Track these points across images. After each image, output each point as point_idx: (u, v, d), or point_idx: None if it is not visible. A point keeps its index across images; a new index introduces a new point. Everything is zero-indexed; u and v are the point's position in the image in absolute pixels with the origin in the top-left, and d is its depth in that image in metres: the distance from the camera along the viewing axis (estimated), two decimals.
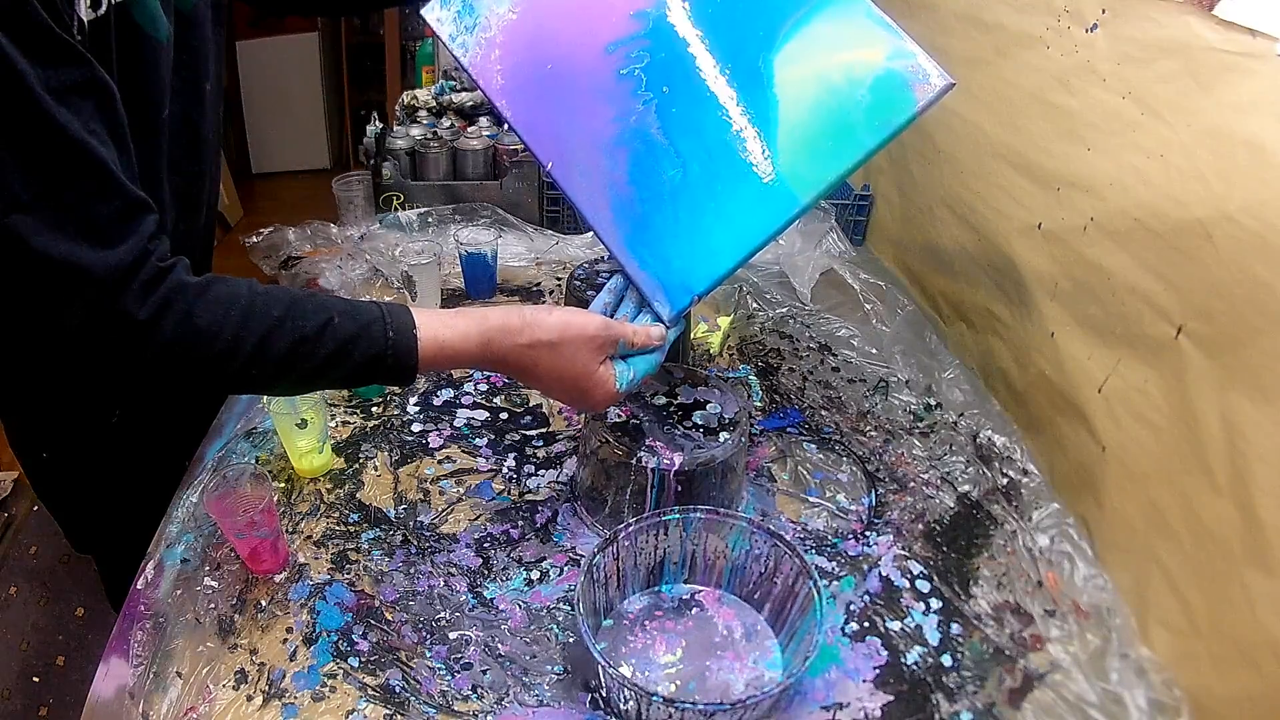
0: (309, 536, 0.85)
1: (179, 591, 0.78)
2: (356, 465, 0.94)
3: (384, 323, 0.64)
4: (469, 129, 1.58)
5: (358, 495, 0.90)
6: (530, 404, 1.05)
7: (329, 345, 0.62)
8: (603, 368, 0.70)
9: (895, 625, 0.77)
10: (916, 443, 1.00)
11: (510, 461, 0.96)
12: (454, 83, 1.77)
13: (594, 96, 0.73)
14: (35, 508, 1.80)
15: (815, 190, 0.69)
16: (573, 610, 0.77)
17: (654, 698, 0.61)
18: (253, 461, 0.93)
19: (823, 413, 1.05)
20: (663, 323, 0.73)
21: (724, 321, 1.17)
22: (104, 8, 0.62)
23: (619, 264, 0.73)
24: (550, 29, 0.75)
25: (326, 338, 0.62)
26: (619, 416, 0.83)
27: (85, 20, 0.60)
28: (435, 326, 0.65)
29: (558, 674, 0.73)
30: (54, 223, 0.55)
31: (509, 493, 0.92)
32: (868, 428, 1.02)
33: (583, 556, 0.83)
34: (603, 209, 0.73)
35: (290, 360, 0.62)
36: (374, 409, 1.03)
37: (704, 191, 0.70)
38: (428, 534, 0.86)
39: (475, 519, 0.88)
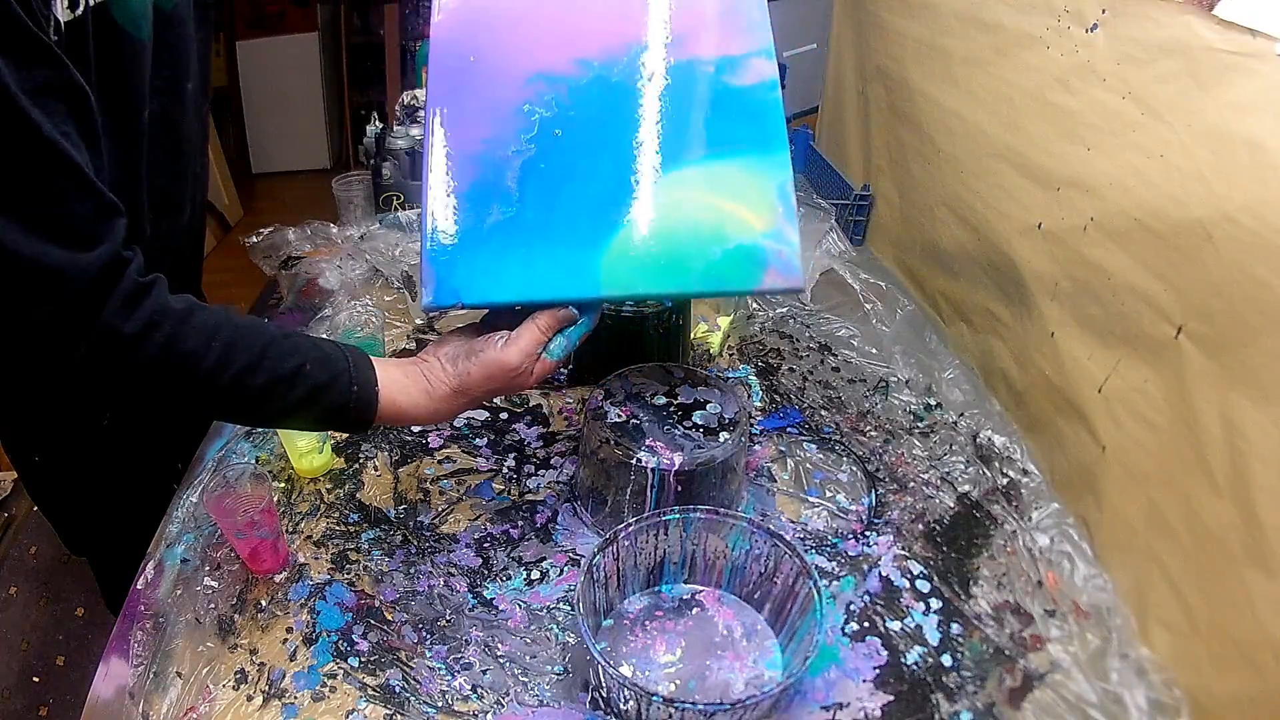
0: (309, 536, 0.85)
1: (179, 591, 0.78)
2: (356, 465, 0.94)
3: (350, 375, 0.66)
4: None
5: (358, 495, 0.90)
6: (530, 404, 1.05)
7: (300, 390, 0.64)
8: (536, 370, 0.71)
9: (895, 625, 0.77)
10: (916, 443, 1.00)
11: (510, 461, 0.96)
12: None
13: (485, 110, 0.72)
14: (35, 508, 1.80)
15: (620, 291, 0.69)
16: (573, 610, 0.77)
17: (654, 698, 0.61)
18: (253, 461, 0.93)
19: (823, 413, 1.05)
20: (465, 306, 0.70)
21: (724, 321, 1.18)
22: (81, 8, 0.62)
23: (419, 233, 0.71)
24: (497, 24, 0.74)
25: (299, 383, 0.64)
26: (619, 416, 0.83)
27: (62, 21, 0.60)
28: (394, 391, 0.69)
29: (558, 674, 0.73)
30: (25, 222, 0.54)
31: (509, 493, 0.92)
32: (868, 428, 1.02)
33: (583, 556, 0.83)
34: (429, 195, 0.71)
35: (264, 397, 0.64)
36: None
37: (522, 237, 0.69)
38: (428, 534, 0.86)
39: (475, 519, 0.88)
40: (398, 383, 0.69)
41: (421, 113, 1.69)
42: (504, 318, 0.73)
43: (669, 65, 0.73)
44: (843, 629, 0.77)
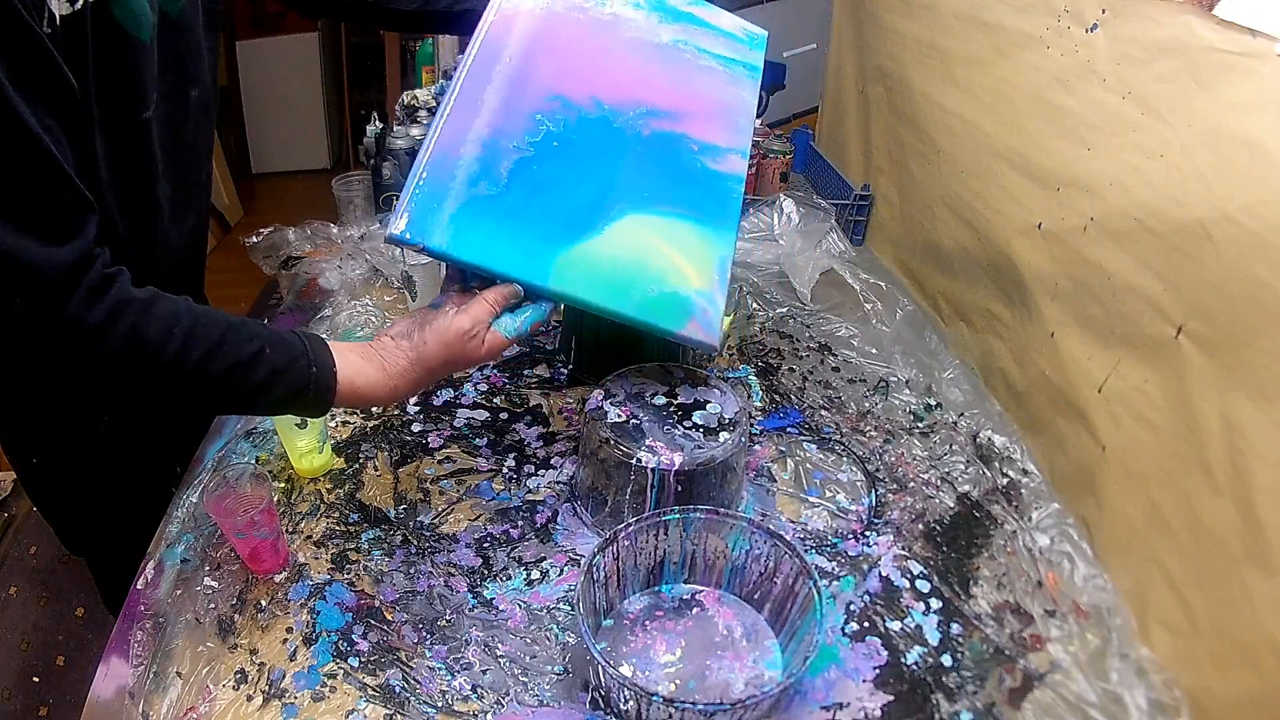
0: (309, 536, 0.85)
1: (179, 591, 0.78)
2: (356, 465, 0.94)
3: (308, 359, 0.67)
4: None
5: (358, 495, 0.90)
6: (530, 404, 1.05)
7: (260, 374, 0.65)
8: (488, 340, 0.74)
9: (895, 625, 0.77)
10: (916, 443, 1.00)
11: (510, 461, 0.96)
12: None
13: (504, 105, 0.80)
14: (35, 507, 1.79)
15: (562, 289, 0.75)
16: (573, 610, 0.77)
17: (654, 698, 0.61)
18: (253, 461, 0.93)
19: (823, 413, 1.05)
20: (426, 250, 0.73)
21: (724, 321, 1.17)
22: (80, 3, 0.62)
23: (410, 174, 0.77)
24: (539, 41, 0.85)
25: (258, 367, 0.65)
26: (619, 416, 0.84)
27: (58, 14, 0.60)
28: (350, 373, 0.70)
29: (558, 674, 0.73)
30: (3, 215, 0.55)
31: (509, 493, 0.92)
32: (868, 428, 1.02)
33: (583, 556, 0.83)
34: (430, 152, 0.77)
35: (225, 382, 0.64)
36: (374, 409, 1.03)
37: (496, 214, 0.76)
38: (428, 534, 0.86)
39: (475, 519, 0.88)
40: (353, 364, 0.70)
41: (421, 113, 1.69)
42: (453, 298, 0.76)
43: (663, 131, 0.85)
44: (843, 629, 0.77)
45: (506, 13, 0.85)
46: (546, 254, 0.76)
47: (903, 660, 0.74)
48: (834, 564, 0.84)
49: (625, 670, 0.72)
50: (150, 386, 0.64)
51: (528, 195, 0.77)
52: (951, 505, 0.91)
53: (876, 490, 0.93)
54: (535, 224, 0.77)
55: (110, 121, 0.70)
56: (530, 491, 0.92)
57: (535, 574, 0.82)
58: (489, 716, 0.69)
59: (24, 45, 0.56)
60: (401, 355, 0.72)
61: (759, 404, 1.06)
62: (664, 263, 0.79)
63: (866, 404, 1.06)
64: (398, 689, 0.70)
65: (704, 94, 0.89)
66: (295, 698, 0.69)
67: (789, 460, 0.97)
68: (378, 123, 1.64)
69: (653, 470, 0.79)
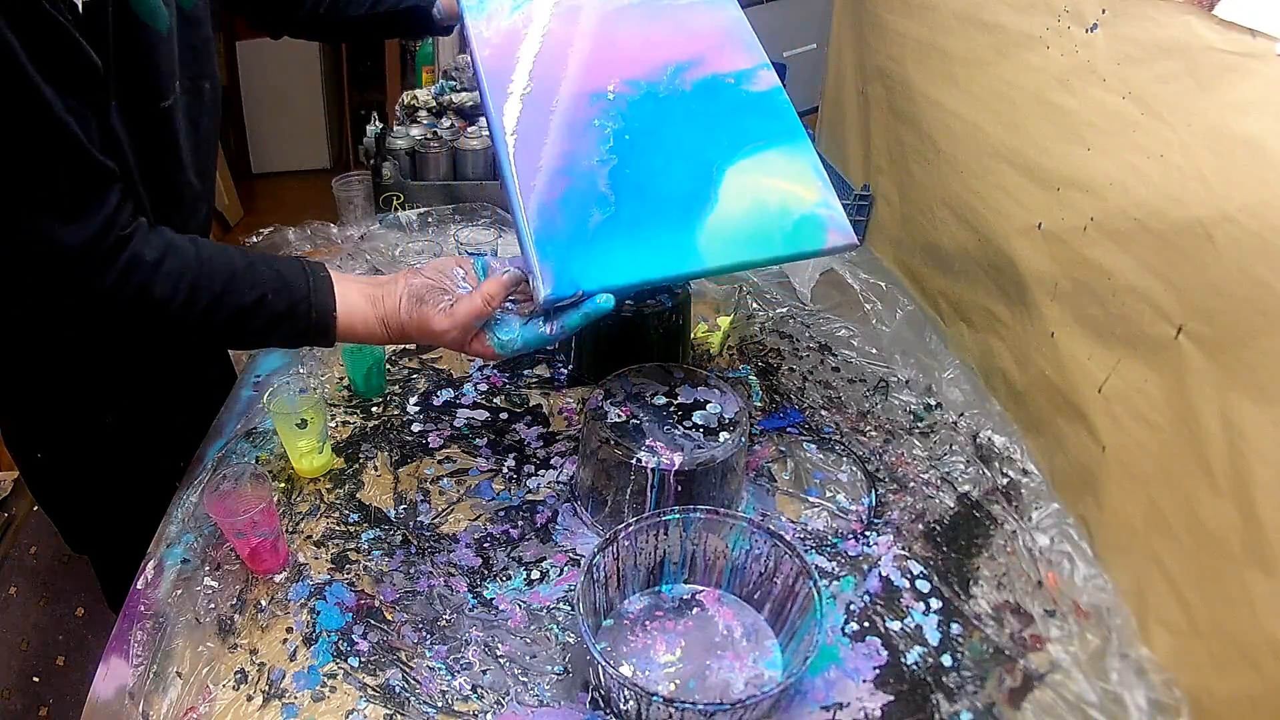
0: (309, 536, 0.85)
1: (179, 591, 0.78)
2: (356, 465, 0.94)
3: (309, 303, 0.72)
4: (469, 129, 1.58)
5: (358, 495, 0.90)
6: (530, 404, 1.05)
7: (261, 319, 0.71)
8: (473, 345, 0.75)
9: (895, 625, 0.77)
10: (916, 443, 1.00)
11: (510, 461, 0.96)
12: (454, 83, 1.76)
13: (562, 129, 0.80)
14: (35, 507, 1.79)
15: (721, 262, 0.77)
16: (573, 610, 0.77)
17: (654, 698, 0.61)
18: (253, 461, 0.93)
19: (823, 413, 1.05)
20: (584, 293, 0.74)
21: (724, 321, 1.17)
22: None
23: (520, 243, 0.77)
24: (541, 56, 0.84)
25: (260, 313, 0.71)
26: (619, 416, 0.83)
27: (79, 3, 0.62)
28: (352, 319, 0.74)
29: (558, 674, 0.73)
30: (27, 195, 0.60)
31: (509, 493, 0.92)
32: (868, 428, 1.02)
33: (583, 556, 0.83)
34: (526, 207, 0.77)
35: (229, 327, 0.71)
36: (374, 409, 1.03)
37: (624, 230, 0.77)
38: (428, 534, 0.86)
39: (475, 519, 0.88)
40: (356, 310, 0.74)
41: (421, 113, 1.69)
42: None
43: (701, 80, 0.86)
44: (843, 629, 0.77)
45: (493, 40, 0.85)
46: (688, 240, 0.77)
47: (903, 660, 0.74)
48: (834, 564, 0.84)
49: (625, 670, 0.72)
50: (161, 333, 0.72)
51: (638, 199, 0.78)
52: (951, 505, 0.91)
53: (876, 490, 0.93)
54: (662, 220, 0.78)
55: (132, 110, 0.73)
56: (530, 491, 0.92)
57: (535, 574, 0.82)
58: (489, 716, 0.69)
59: (47, 31, 0.58)
60: (397, 316, 0.75)
61: (759, 404, 1.06)
62: (779, 195, 0.80)
63: (866, 404, 1.06)
64: (398, 689, 0.70)
65: (704, 29, 0.90)
66: (295, 698, 0.69)
67: (789, 460, 0.97)
68: (378, 123, 1.64)
69: (653, 470, 0.79)
